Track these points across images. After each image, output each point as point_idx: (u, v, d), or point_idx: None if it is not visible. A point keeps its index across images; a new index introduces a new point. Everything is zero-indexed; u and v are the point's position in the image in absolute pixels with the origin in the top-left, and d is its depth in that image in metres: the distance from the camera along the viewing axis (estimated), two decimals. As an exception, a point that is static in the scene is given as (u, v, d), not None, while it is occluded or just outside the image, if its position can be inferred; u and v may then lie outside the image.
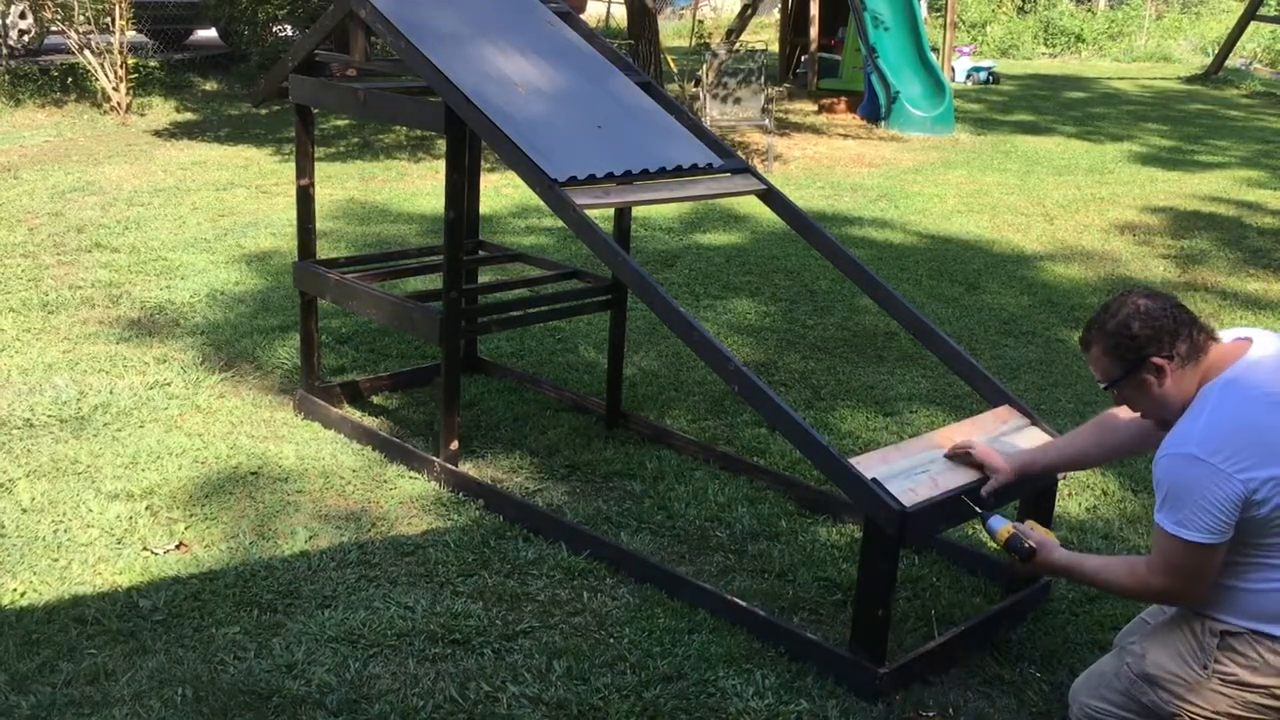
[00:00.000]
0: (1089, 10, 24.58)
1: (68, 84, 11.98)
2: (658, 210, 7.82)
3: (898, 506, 2.75)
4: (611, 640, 3.09)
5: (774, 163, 9.96)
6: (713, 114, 10.21)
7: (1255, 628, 2.39)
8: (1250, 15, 17.12)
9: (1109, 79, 17.97)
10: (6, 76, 11.73)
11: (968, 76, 16.46)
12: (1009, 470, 2.96)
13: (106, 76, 11.44)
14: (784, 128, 11.57)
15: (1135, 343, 2.44)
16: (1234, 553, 2.38)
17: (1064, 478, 3.30)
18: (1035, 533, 2.78)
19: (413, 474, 4.01)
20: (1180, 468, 2.34)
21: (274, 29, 13.21)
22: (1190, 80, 17.56)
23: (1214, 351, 2.45)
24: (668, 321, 3.26)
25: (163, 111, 11.97)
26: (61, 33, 11.64)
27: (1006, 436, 3.18)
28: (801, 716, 2.81)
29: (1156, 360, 2.43)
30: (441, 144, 4.64)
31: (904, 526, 2.75)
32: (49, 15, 11.87)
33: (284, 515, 3.71)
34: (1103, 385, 2.55)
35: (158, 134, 10.75)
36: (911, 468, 2.95)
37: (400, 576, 3.37)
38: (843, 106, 13.06)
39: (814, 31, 13.98)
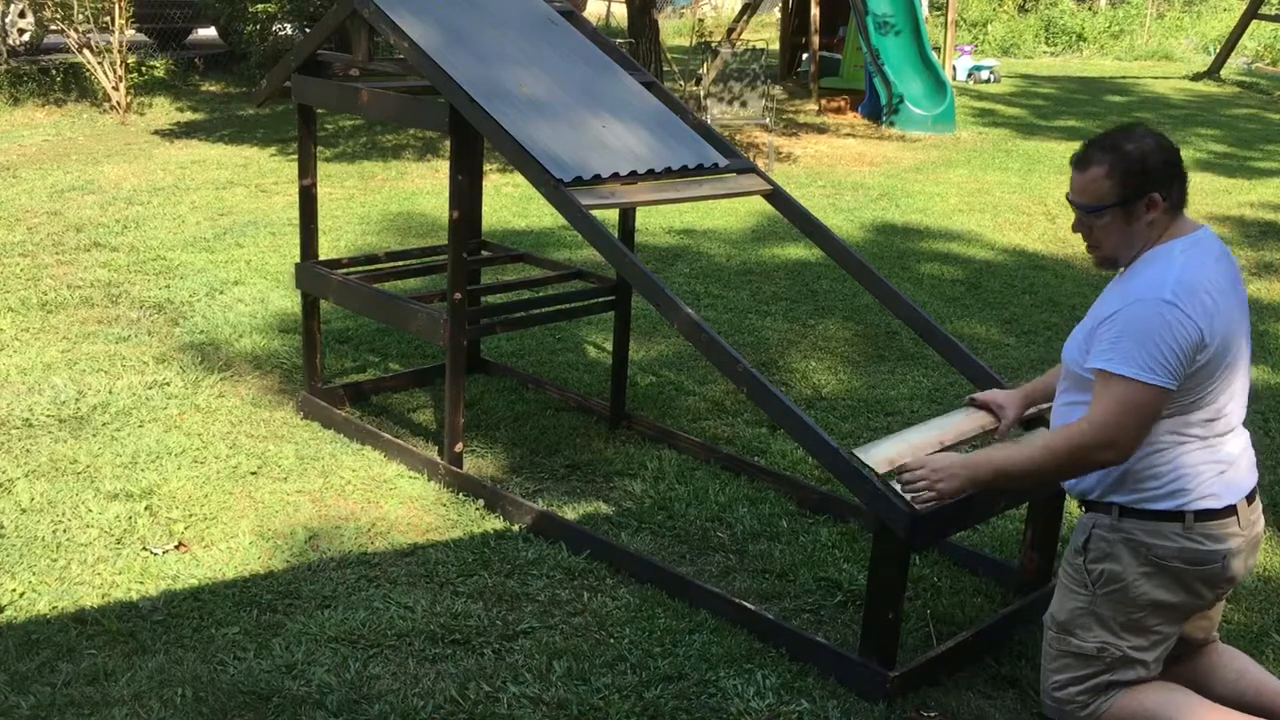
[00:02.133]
0: (1090, 9, 24.56)
1: (68, 84, 11.98)
2: (659, 209, 7.81)
3: (909, 510, 2.73)
4: (612, 640, 3.09)
5: (775, 162, 9.95)
6: (714, 113, 10.20)
7: (1110, 499, 2.53)
8: (1251, 14, 17.09)
9: (1112, 78, 17.95)
10: (6, 76, 11.72)
11: (969, 75, 16.44)
12: (1016, 402, 3.07)
13: (106, 76, 11.44)
14: (785, 126, 11.57)
15: (1146, 175, 2.47)
16: None
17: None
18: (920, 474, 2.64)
19: (413, 474, 4.00)
20: (1151, 311, 2.39)
21: (274, 28, 13.20)
22: (1196, 78, 17.52)
23: (1180, 218, 2.55)
24: (674, 322, 3.24)
25: (162, 111, 11.96)
26: (61, 32, 11.63)
27: (1018, 440, 3.15)
28: (802, 716, 2.80)
29: (1155, 196, 2.48)
30: (446, 144, 4.62)
31: (914, 530, 2.73)
32: (49, 15, 11.86)
33: (284, 515, 3.70)
34: (1086, 208, 2.53)
35: (157, 133, 10.74)
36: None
37: (400, 576, 3.37)
38: (844, 105, 13.05)
39: (815, 30, 13.96)
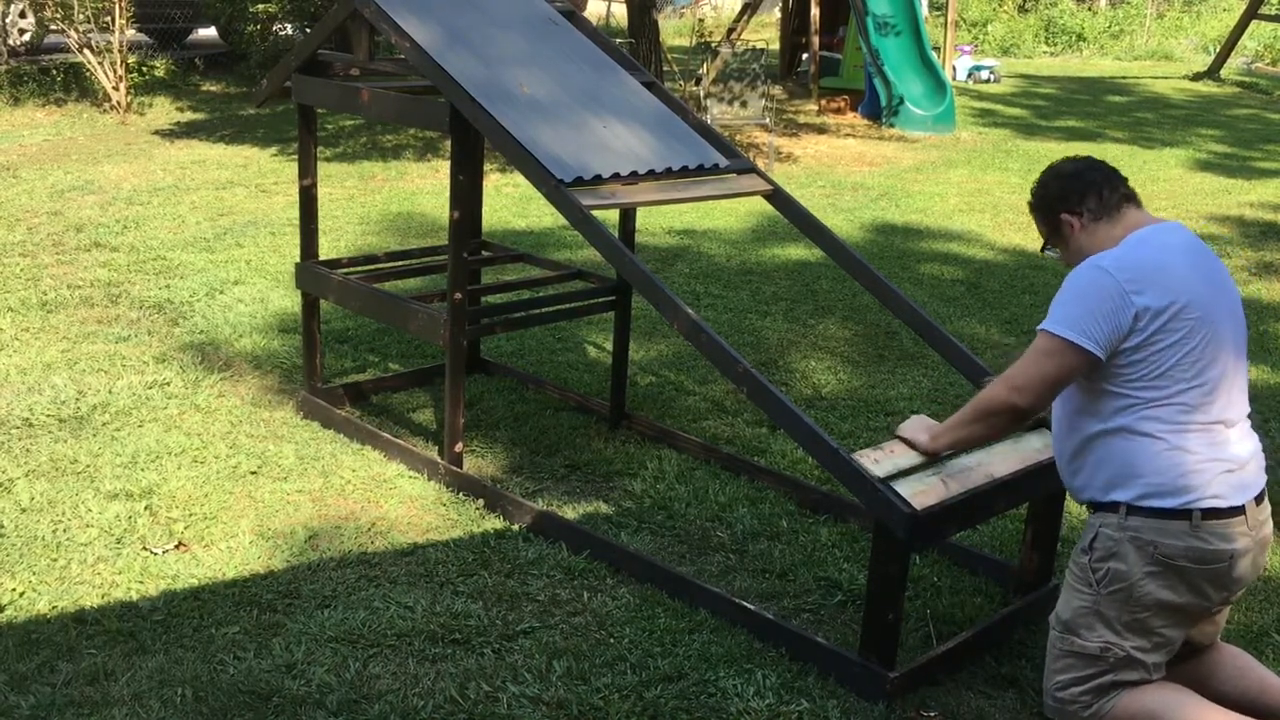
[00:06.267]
0: (1090, 9, 24.55)
1: (68, 84, 11.97)
2: (659, 209, 7.81)
3: (909, 510, 2.72)
4: (612, 640, 3.09)
5: (775, 162, 9.95)
6: (714, 113, 10.20)
7: (1111, 498, 2.54)
8: (1251, 14, 17.08)
9: (1112, 78, 17.95)
10: (7, 76, 11.72)
11: (969, 75, 16.44)
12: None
13: (106, 76, 11.43)
14: (785, 127, 11.57)
15: (1049, 201, 2.72)
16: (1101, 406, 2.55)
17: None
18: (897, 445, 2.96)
19: (413, 474, 4.00)
20: (1084, 274, 2.56)
21: (274, 28, 13.19)
22: (1196, 78, 17.52)
23: (1133, 214, 2.66)
24: (674, 322, 3.24)
25: (162, 111, 11.96)
26: (62, 32, 11.63)
27: (1018, 440, 3.16)
28: (802, 716, 2.81)
29: (1065, 215, 2.68)
30: (446, 144, 4.62)
31: (915, 530, 2.73)
32: (49, 15, 11.86)
33: (284, 515, 3.70)
34: (1043, 249, 2.82)
35: (157, 133, 10.74)
36: (918, 467, 2.93)
37: (400, 576, 3.37)
38: (844, 105, 13.05)
39: (815, 30, 13.96)
